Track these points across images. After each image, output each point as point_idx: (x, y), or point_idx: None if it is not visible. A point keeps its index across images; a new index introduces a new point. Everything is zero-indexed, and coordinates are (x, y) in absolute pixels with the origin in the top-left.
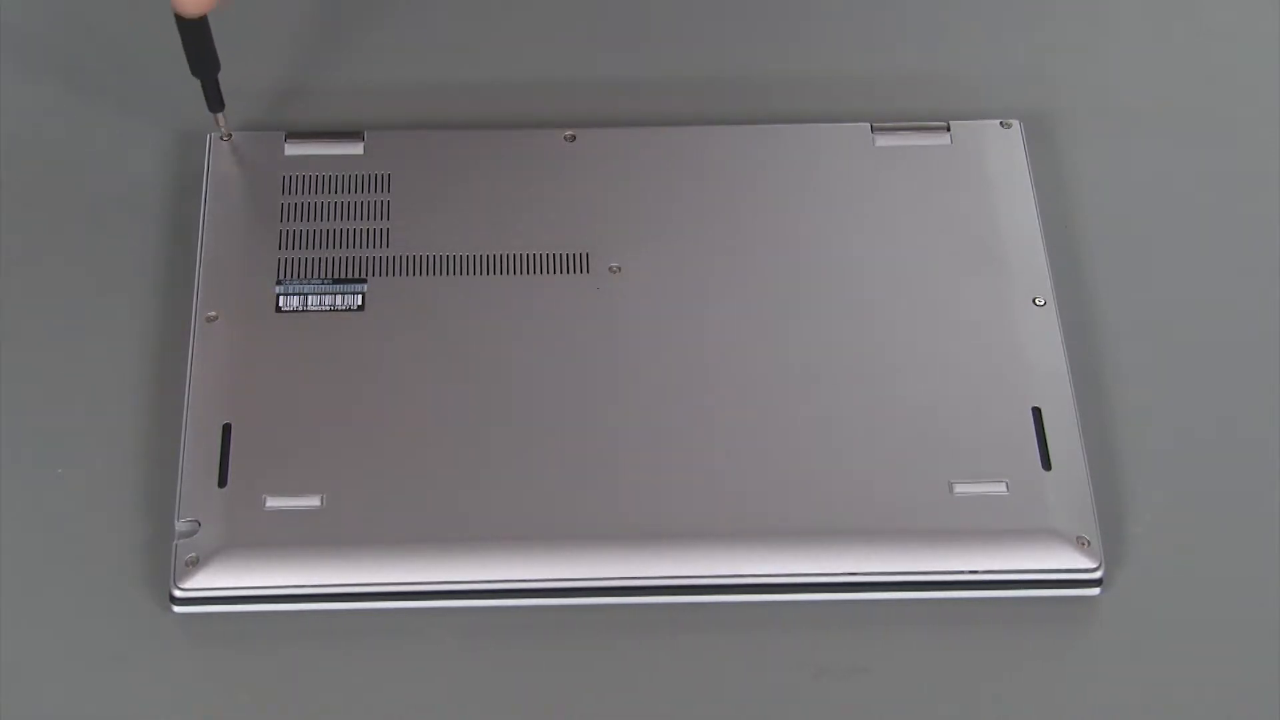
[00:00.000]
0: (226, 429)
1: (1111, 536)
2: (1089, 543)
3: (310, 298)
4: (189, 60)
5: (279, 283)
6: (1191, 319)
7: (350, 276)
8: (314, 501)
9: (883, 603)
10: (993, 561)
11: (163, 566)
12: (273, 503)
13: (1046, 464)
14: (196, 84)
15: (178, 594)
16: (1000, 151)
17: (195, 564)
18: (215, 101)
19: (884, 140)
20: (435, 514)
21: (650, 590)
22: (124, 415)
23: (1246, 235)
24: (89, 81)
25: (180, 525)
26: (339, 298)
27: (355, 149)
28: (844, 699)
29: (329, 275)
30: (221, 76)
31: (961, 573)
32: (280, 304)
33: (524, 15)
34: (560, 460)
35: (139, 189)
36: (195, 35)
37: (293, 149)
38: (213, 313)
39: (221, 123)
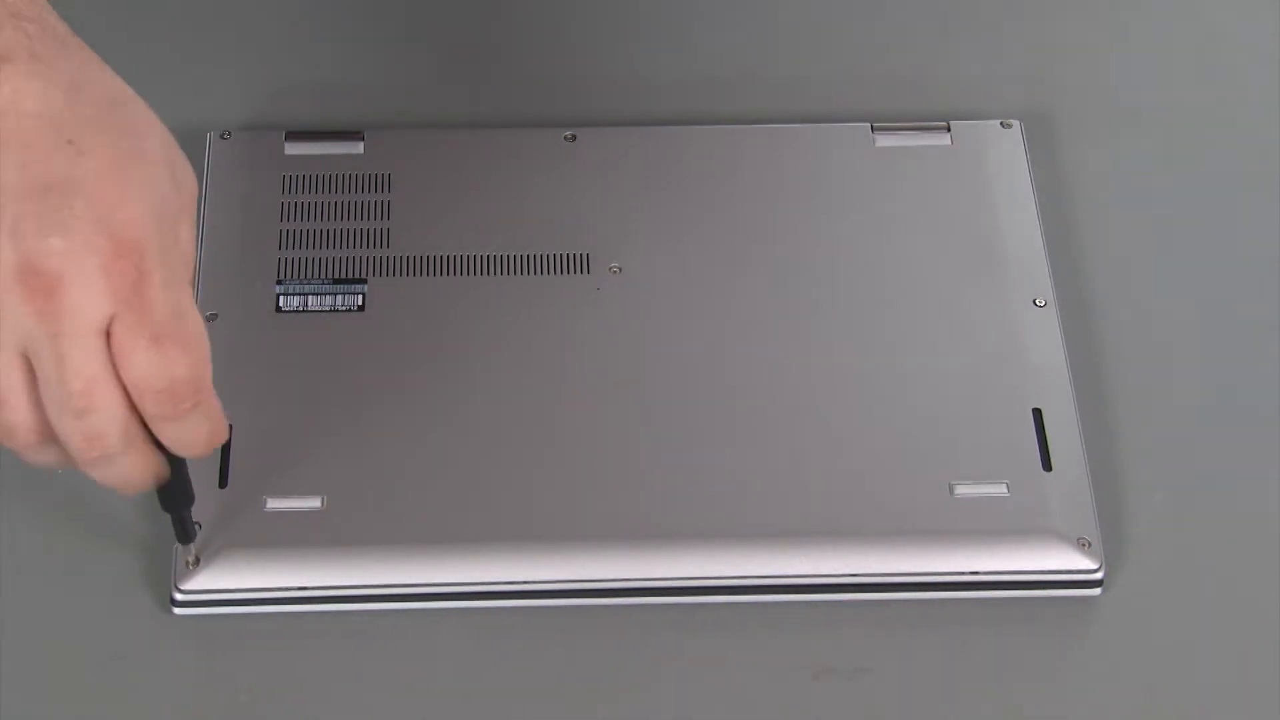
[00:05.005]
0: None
1: (1112, 537)
2: (1090, 543)
3: (310, 298)
4: (160, 497)
5: (279, 283)
6: (1191, 319)
7: (350, 276)
8: (314, 503)
9: (884, 603)
10: (993, 562)
11: (163, 567)
12: (273, 504)
13: (1047, 465)
14: (197, 82)
15: (178, 595)
16: (1000, 151)
17: (196, 565)
18: (187, 534)
19: (884, 140)
20: (436, 515)
21: (650, 590)
22: None
23: (1246, 235)
24: None
25: None
26: (339, 298)
27: (355, 149)
28: (845, 699)
29: (329, 275)
30: (222, 76)
31: (962, 574)
32: (280, 304)
33: (524, 15)
34: (560, 461)
35: None
36: (175, 470)
37: (293, 149)
38: (213, 313)
39: (192, 553)
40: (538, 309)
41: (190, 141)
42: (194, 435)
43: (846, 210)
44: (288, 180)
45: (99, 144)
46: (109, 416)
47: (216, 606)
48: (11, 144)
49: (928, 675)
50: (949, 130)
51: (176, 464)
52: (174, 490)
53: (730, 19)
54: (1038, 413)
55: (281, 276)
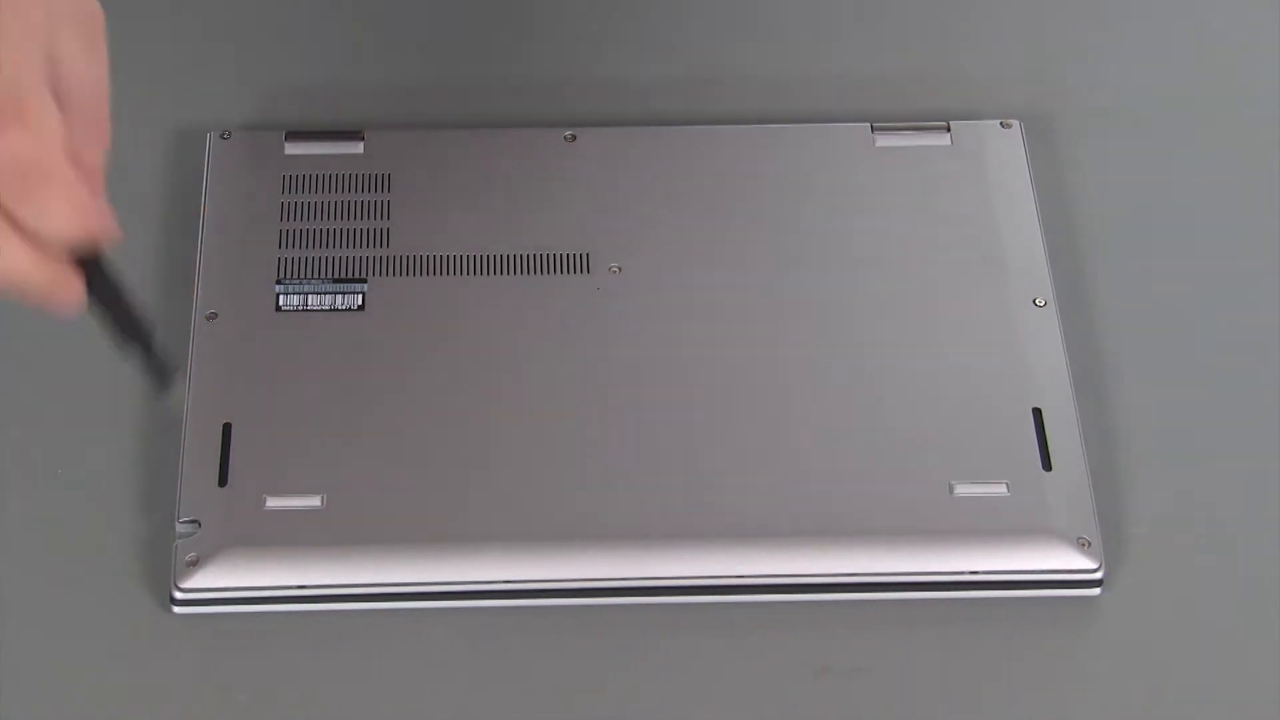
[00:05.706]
0: (227, 428)
1: (1111, 537)
2: (1089, 543)
3: (310, 297)
4: (108, 327)
5: (279, 282)
6: (1191, 319)
7: (350, 276)
8: (314, 501)
9: (884, 603)
10: (993, 562)
11: (163, 566)
12: (273, 502)
13: (1047, 465)
14: (197, 82)
15: (178, 594)
16: (1000, 151)
17: (195, 564)
18: (163, 376)
19: (884, 140)
20: (436, 514)
21: (650, 590)
22: (124, 415)
23: (1246, 235)
24: None
25: (180, 525)
26: (339, 298)
27: (355, 149)
28: (845, 699)
29: (329, 275)
30: (222, 76)
31: (962, 573)
32: (280, 304)
33: (524, 15)
34: (560, 460)
35: (139, 188)
36: (107, 298)
37: (293, 149)
38: (213, 312)
39: (174, 403)
40: (538, 309)
41: (190, 141)
42: (54, 215)
43: (846, 210)
44: (288, 180)
45: None
46: None
47: (216, 605)
48: None
49: (928, 675)
50: (949, 130)
51: (109, 287)
52: (125, 319)
53: (730, 19)
54: (1038, 413)
55: (281, 276)
